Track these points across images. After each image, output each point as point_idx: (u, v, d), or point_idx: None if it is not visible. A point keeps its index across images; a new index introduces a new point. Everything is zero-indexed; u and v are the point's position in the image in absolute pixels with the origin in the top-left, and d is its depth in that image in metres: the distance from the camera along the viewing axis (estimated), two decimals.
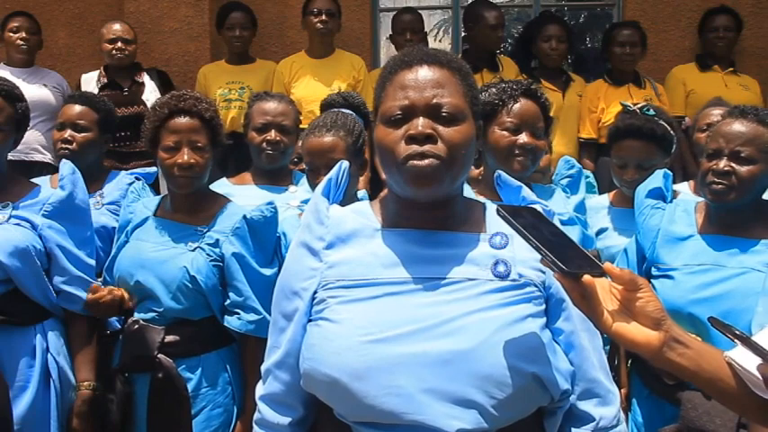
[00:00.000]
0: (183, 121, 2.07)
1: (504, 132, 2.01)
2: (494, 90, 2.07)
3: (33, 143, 3.97)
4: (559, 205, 2.18)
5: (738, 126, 1.89)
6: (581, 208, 2.32)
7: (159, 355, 2.01)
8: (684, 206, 2.04)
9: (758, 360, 1.04)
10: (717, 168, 1.87)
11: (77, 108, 2.64)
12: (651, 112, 2.51)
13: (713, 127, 1.98)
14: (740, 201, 1.88)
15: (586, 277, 1.05)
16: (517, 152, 2.00)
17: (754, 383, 1.07)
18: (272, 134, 2.61)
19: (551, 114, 2.16)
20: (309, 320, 1.23)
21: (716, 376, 1.09)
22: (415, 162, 1.17)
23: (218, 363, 2.08)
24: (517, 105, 2.03)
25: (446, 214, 1.26)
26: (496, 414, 1.13)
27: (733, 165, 1.86)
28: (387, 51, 5.47)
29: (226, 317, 2.07)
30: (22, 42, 4.13)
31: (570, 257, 1.07)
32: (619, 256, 2.16)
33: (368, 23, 4.98)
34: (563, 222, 2.11)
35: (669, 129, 2.50)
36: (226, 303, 2.07)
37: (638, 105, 2.57)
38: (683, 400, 1.78)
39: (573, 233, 2.14)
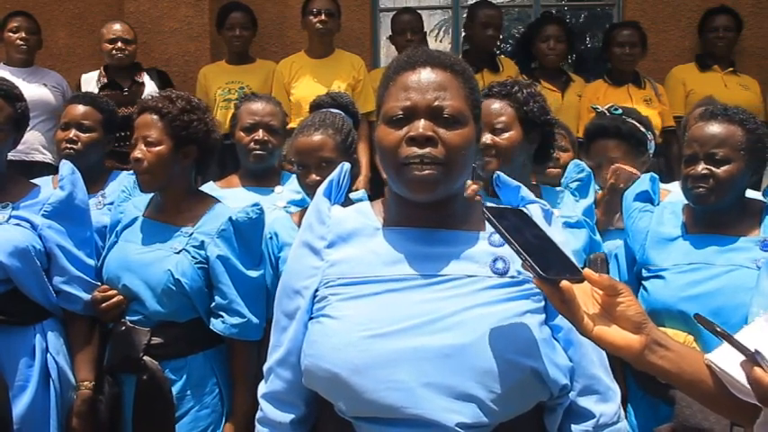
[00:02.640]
0: (141, 118, 2.12)
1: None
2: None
3: (34, 143, 3.96)
4: (568, 208, 2.19)
5: (710, 128, 1.92)
6: (590, 212, 2.33)
7: (144, 357, 2.01)
8: (672, 208, 2.06)
9: (739, 359, 1.05)
10: (695, 173, 1.90)
11: (81, 108, 2.64)
12: (619, 111, 2.55)
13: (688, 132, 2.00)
14: (722, 201, 1.91)
15: (564, 283, 1.06)
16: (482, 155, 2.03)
17: (732, 385, 1.08)
18: (260, 134, 2.61)
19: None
20: (311, 318, 1.24)
21: (696, 378, 1.11)
22: (416, 171, 1.18)
23: (204, 364, 2.08)
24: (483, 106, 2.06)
25: (446, 213, 1.27)
26: (496, 408, 1.14)
27: (710, 168, 1.88)
28: (387, 51, 5.47)
29: (211, 319, 2.06)
30: (21, 42, 4.13)
31: (550, 262, 1.08)
32: (611, 261, 2.16)
33: (368, 23, 4.98)
34: (571, 225, 2.12)
35: (639, 126, 2.52)
36: (211, 306, 2.06)
37: (607, 106, 2.61)
38: (677, 398, 1.79)
39: (580, 236, 2.15)
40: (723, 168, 1.88)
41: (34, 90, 4.01)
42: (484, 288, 1.19)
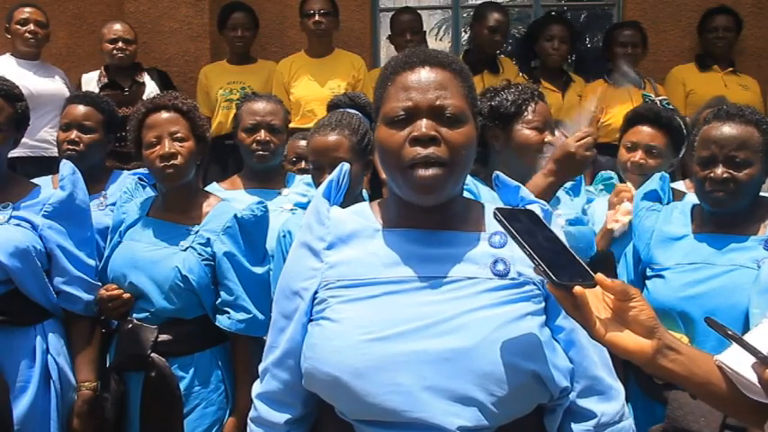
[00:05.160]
0: (160, 115, 2.11)
1: (533, 131, 2.06)
2: (513, 91, 2.11)
3: (48, 138, 3.87)
4: (567, 207, 2.21)
5: (728, 130, 1.86)
6: (582, 211, 2.34)
7: (152, 355, 2.03)
8: (682, 207, 2.05)
9: (750, 360, 1.05)
10: (715, 177, 1.85)
11: (82, 109, 2.62)
12: (670, 106, 2.55)
13: (701, 132, 1.95)
14: (741, 204, 1.88)
15: (577, 289, 1.05)
16: (546, 150, 2.06)
17: (743, 385, 1.09)
18: (262, 134, 2.60)
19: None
20: (310, 320, 1.24)
21: (707, 380, 1.11)
22: (420, 172, 1.17)
23: (211, 361, 2.10)
24: (539, 105, 2.11)
25: (446, 214, 1.26)
26: (496, 411, 1.14)
27: (731, 171, 1.84)
28: (387, 51, 5.47)
29: (217, 316, 2.08)
30: (30, 36, 4.03)
31: (563, 267, 1.07)
32: (621, 260, 2.17)
33: (368, 23, 4.98)
34: (571, 222, 2.13)
35: (683, 128, 2.52)
36: (217, 302, 2.09)
37: (660, 98, 2.61)
38: (670, 399, 1.79)
39: (586, 233, 2.16)
40: (744, 172, 1.83)
41: (49, 84, 3.99)
42: (484, 290, 1.19)
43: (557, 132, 2.07)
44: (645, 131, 2.50)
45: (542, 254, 1.07)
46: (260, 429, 1.30)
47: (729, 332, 1.06)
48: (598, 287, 1.08)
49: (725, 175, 1.84)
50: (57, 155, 3.82)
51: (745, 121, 1.87)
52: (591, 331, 1.07)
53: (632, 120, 2.57)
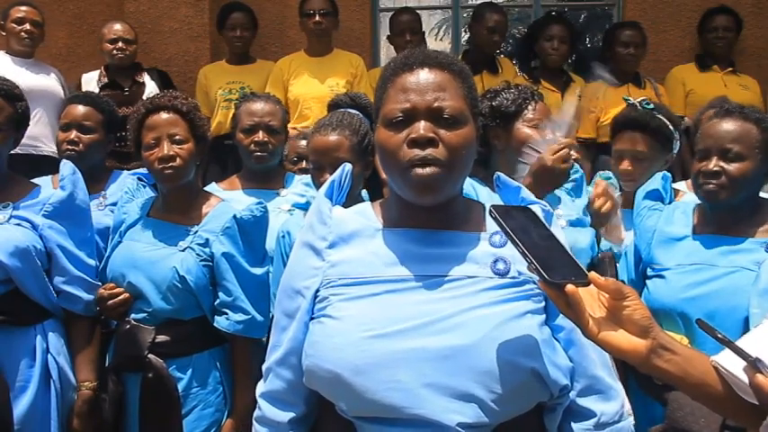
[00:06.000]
0: (159, 116, 2.09)
1: (534, 129, 2.07)
2: (513, 91, 2.14)
3: (39, 136, 3.86)
4: (569, 208, 2.21)
5: (725, 125, 1.89)
6: (583, 212, 2.34)
7: (150, 356, 2.02)
8: (684, 207, 2.05)
9: (743, 363, 1.05)
10: (706, 169, 1.87)
11: (82, 109, 2.62)
12: (650, 106, 2.55)
13: (701, 129, 1.97)
14: (733, 199, 1.88)
15: (569, 287, 1.05)
16: (524, 156, 2.05)
17: (739, 387, 1.08)
18: (260, 135, 2.60)
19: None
20: (312, 318, 1.24)
21: (703, 381, 1.10)
22: (418, 171, 1.18)
23: (209, 362, 2.10)
24: (539, 104, 2.13)
25: (447, 214, 1.27)
26: (496, 408, 1.14)
27: (722, 164, 1.86)
28: (387, 51, 5.48)
29: (215, 317, 2.08)
30: (26, 35, 4.01)
31: (556, 265, 1.07)
32: (621, 259, 2.17)
33: (368, 23, 4.98)
34: (573, 224, 2.13)
35: (668, 124, 2.51)
36: (215, 303, 2.08)
37: (639, 99, 2.61)
38: (670, 399, 1.79)
39: (586, 235, 2.17)
40: (735, 165, 1.85)
41: (41, 80, 3.97)
42: (484, 289, 1.19)
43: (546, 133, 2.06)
44: (627, 138, 2.51)
45: (535, 252, 1.07)
46: (264, 429, 1.31)
47: (720, 335, 1.06)
48: (593, 286, 1.08)
49: (716, 168, 1.86)
50: (45, 153, 3.88)
51: (744, 118, 1.89)
52: (584, 330, 1.07)
53: (615, 128, 2.60)
